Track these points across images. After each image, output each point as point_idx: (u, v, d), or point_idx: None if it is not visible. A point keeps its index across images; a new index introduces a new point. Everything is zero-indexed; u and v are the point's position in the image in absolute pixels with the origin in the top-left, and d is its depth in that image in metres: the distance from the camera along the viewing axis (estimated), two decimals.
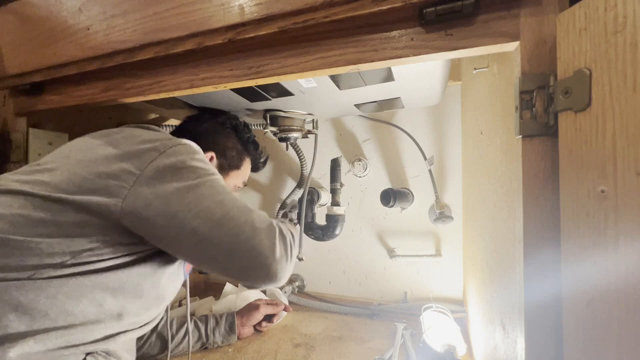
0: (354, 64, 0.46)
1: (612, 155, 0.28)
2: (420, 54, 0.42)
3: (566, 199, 0.32)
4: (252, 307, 0.88)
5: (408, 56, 0.43)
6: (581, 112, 0.31)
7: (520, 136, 0.37)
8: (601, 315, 0.28)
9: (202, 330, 0.78)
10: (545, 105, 0.35)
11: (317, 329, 0.93)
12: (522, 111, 0.37)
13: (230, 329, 0.81)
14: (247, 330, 0.86)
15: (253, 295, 1.04)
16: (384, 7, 0.40)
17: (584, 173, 0.30)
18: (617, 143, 0.27)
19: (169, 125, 1.02)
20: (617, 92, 0.27)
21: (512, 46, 0.39)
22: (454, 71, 0.97)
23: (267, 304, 0.90)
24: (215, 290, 1.07)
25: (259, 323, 0.89)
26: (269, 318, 0.91)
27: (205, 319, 0.81)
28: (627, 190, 0.26)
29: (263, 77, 0.51)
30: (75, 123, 0.83)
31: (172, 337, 0.72)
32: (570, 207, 0.32)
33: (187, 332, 0.73)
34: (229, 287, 1.11)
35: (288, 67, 0.49)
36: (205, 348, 0.79)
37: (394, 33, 0.43)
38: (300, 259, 0.95)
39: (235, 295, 1.02)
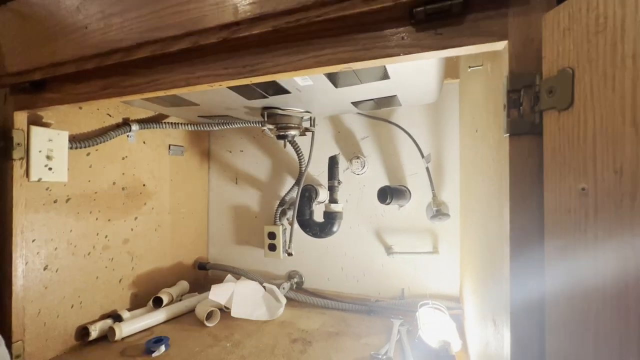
0: (347, 62, 0.46)
1: (592, 153, 0.28)
2: (410, 53, 0.43)
3: (550, 197, 0.33)
4: None
5: (399, 55, 0.43)
6: (564, 111, 0.31)
7: (508, 134, 0.37)
8: (580, 311, 0.29)
9: None
10: (531, 104, 0.36)
11: (314, 325, 0.94)
12: (510, 110, 0.37)
13: None
14: None
15: (252, 284, 1.05)
16: (375, 7, 0.40)
17: (567, 171, 0.31)
18: (597, 141, 0.28)
19: (168, 123, 1.04)
20: (597, 92, 0.28)
21: (501, 45, 0.39)
22: (452, 69, 0.97)
23: None
24: None
25: None
26: None
27: None
28: (605, 188, 0.27)
29: (257, 75, 0.52)
30: (76, 120, 0.84)
31: None
32: (553, 205, 0.32)
33: None
34: (229, 278, 1.13)
35: (282, 65, 0.50)
36: None
37: (385, 32, 0.44)
38: (289, 254, 0.96)
39: (234, 283, 1.04)
